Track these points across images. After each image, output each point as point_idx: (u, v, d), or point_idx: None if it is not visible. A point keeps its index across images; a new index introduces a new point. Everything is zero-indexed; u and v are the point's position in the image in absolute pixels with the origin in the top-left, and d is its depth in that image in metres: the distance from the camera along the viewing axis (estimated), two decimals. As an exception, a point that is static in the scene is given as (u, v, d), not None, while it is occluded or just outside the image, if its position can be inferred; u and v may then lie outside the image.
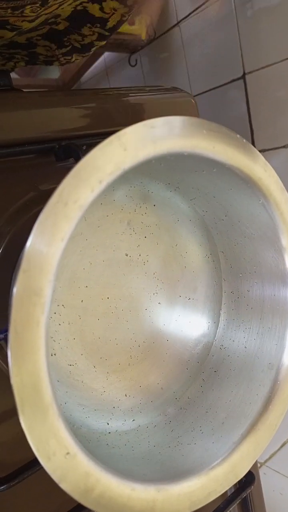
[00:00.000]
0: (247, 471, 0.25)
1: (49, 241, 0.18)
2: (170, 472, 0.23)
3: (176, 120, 0.22)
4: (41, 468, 0.27)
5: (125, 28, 1.07)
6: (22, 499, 0.29)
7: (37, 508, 0.30)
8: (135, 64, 1.18)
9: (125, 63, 1.19)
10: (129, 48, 1.15)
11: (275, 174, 0.27)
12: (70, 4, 0.34)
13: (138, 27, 1.09)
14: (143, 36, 1.07)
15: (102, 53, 1.23)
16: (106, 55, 1.27)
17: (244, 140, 0.25)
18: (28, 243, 0.17)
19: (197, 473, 0.23)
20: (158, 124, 0.21)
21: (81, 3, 0.35)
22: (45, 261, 0.18)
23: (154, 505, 0.21)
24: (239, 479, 0.25)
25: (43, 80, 1.30)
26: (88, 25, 0.38)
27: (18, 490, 0.27)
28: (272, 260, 0.28)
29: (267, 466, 0.72)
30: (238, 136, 0.25)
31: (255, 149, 0.26)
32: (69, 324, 0.28)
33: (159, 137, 0.21)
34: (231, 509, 0.43)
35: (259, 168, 0.26)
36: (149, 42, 1.12)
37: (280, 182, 0.27)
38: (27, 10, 0.30)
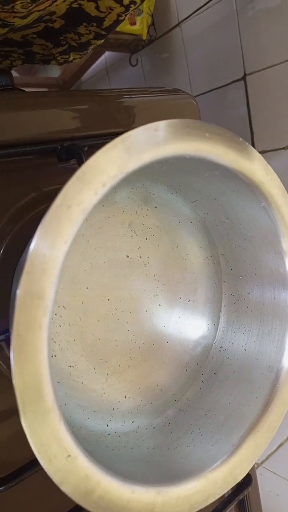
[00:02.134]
0: (246, 473, 0.25)
1: (52, 244, 0.18)
2: (169, 474, 0.24)
3: (179, 123, 0.22)
4: (40, 469, 0.27)
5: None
6: (21, 500, 0.29)
7: (36, 508, 0.30)
8: (136, 64, 1.18)
9: (126, 63, 1.18)
10: (130, 48, 1.15)
11: (277, 178, 0.27)
12: (64, 1, 0.34)
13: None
14: (144, 36, 1.07)
15: (102, 53, 1.23)
16: (107, 54, 1.27)
17: (247, 144, 0.25)
18: (32, 245, 0.17)
19: (197, 475, 0.24)
20: (162, 127, 0.21)
21: (76, 1, 0.35)
22: (48, 264, 0.18)
23: (154, 507, 0.21)
24: (237, 481, 0.25)
25: (43, 79, 1.29)
26: (84, 24, 0.38)
27: (17, 490, 0.27)
28: (273, 263, 0.28)
29: (264, 467, 0.72)
30: (240, 139, 0.25)
31: (257, 152, 0.26)
32: (69, 325, 0.28)
33: (163, 140, 0.21)
34: (228, 510, 0.44)
35: (261, 172, 0.26)
36: (150, 42, 1.12)
37: (282, 186, 0.27)
38: (18, 6, 0.30)
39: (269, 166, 0.27)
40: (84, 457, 0.19)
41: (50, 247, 0.18)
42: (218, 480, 0.24)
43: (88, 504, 0.19)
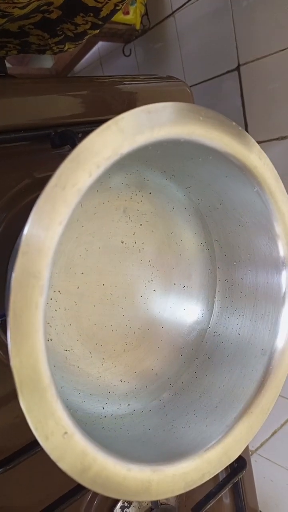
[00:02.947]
0: (240, 453, 0.26)
1: (47, 225, 0.18)
2: (165, 454, 0.24)
3: (173, 106, 0.22)
4: (39, 451, 0.28)
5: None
6: (23, 481, 0.30)
7: (38, 490, 0.30)
8: (129, 54, 1.17)
9: (119, 53, 1.18)
10: (123, 38, 1.14)
11: (270, 163, 0.27)
12: None
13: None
14: (137, 26, 1.06)
15: (96, 43, 1.22)
16: (100, 44, 1.26)
17: (240, 128, 0.25)
18: (27, 226, 0.18)
19: (192, 455, 0.24)
20: (156, 110, 0.21)
21: None
22: (43, 244, 0.18)
23: (150, 485, 0.22)
24: (232, 461, 0.26)
25: (36, 70, 1.28)
26: (81, 14, 0.38)
27: (19, 472, 0.28)
28: (266, 248, 0.29)
29: (258, 454, 0.73)
30: (234, 123, 0.25)
31: (250, 137, 0.26)
32: (65, 310, 0.28)
33: (157, 123, 0.21)
34: (223, 493, 0.44)
35: (254, 156, 0.26)
36: (143, 32, 1.11)
37: (275, 170, 0.28)
38: None
39: (262, 151, 0.27)
40: (81, 435, 0.19)
41: (45, 228, 0.18)
42: (212, 459, 0.24)
43: (85, 481, 0.20)
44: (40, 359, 0.18)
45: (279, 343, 0.28)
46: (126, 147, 0.20)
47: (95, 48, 1.27)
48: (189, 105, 0.23)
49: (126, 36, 1.14)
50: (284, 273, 0.27)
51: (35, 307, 0.18)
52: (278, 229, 0.27)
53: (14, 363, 0.17)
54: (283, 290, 0.27)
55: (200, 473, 0.24)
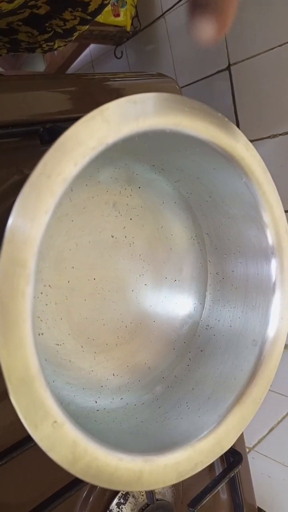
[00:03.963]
0: (233, 443, 0.26)
1: (33, 214, 0.18)
2: (157, 445, 0.24)
3: (159, 97, 0.22)
4: (31, 446, 0.28)
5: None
6: (15, 478, 0.29)
7: (31, 486, 0.30)
8: (121, 56, 1.18)
9: (111, 55, 1.18)
10: (115, 40, 1.15)
11: (257, 154, 0.27)
12: None
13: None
14: (128, 28, 1.07)
15: (87, 45, 1.22)
16: (92, 47, 1.27)
17: (226, 119, 0.26)
18: (12, 215, 0.18)
19: (184, 445, 0.24)
20: (141, 100, 0.21)
21: None
22: (29, 234, 0.18)
23: (141, 475, 0.22)
24: (225, 451, 0.26)
25: (28, 73, 1.28)
26: (70, 9, 0.38)
27: (11, 468, 0.28)
28: (255, 239, 0.29)
29: (255, 451, 0.73)
30: (220, 114, 0.25)
31: (237, 128, 0.26)
32: (56, 304, 0.28)
33: (142, 113, 0.21)
34: (220, 489, 0.44)
35: (241, 147, 0.26)
36: (134, 34, 1.12)
37: (262, 162, 0.28)
38: None
39: (249, 142, 0.27)
40: (71, 424, 0.19)
41: (31, 217, 0.18)
42: (205, 449, 0.25)
43: (76, 471, 0.20)
44: (28, 349, 0.18)
45: (270, 333, 0.28)
46: (112, 137, 0.20)
47: (86, 51, 1.28)
48: (175, 96, 0.23)
49: (117, 38, 1.15)
50: (273, 262, 0.27)
51: (22, 296, 0.18)
52: (267, 218, 0.27)
53: (2, 353, 0.17)
54: (273, 279, 0.28)
55: (193, 463, 0.24)
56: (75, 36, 0.46)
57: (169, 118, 0.22)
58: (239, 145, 0.26)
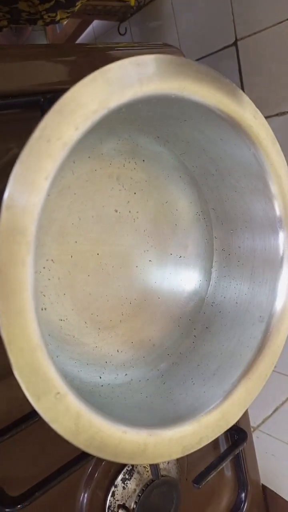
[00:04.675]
0: (238, 418, 0.26)
1: (32, 180, 0.17)
2: (162, 419, 0.24)
3: (163, 59, 0.21)
4: (36, 421, 0.27)
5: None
6: (21, 453, 0.29)
7: (36, 460, 0.30)
8: (125, 33, 1.15)
9: (115, 32, 1.15)
10: (118, 15, 1.12)
11: (266, 122, 0.26)
12: None
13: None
14: (132, 3, 1.04)
15: (90, 22, 1.19)
16: (95, 24, 1.23)
17: (234, 85, 0.25)
18: (10, 181, 0.17)
19: (189, 419, 0.24)
20: (145, 62, 0.20)
21: None
22: (29, 200, 0.17)
23: (146, 448, 0.21)
24: (230, 425, 0.25)
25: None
26: None
27: (16, 443, 0.28)
28: (263, 213, 0.28)
29: (260, 431, 0.74)
30: (227, 80, 0.24)
31: (245, 95, 0.25)
32: (59, 279, 0.27)
33: (146, 76, 0.20)
34: (224, 466, 0.44)
35: (249, 115, 0.25)
36: (138, 9, 1.09)
37: (271, 131, 0.27)
38: None
39: (257, 110, 0.26)
40: (74, 396, 0.19)
41: (30, 183, 0.17)
42: (210, 423, 0.24)
43: (80, 442, 0.19)
44: (28, 318, 0.17)
45: (278, 307, 0.27)
46: (114, 101, 0.19)
47: (89, 28, 1.24)
48: (180, 59, 0.22)
49: (120, 14, 1.11)
50: (281, 235, 0.26)
51: (22, 264, 0.17)
52: (274, 190, 0.26)
53: (2, 321, 0.17)
54: (281, 252, 0.27)
55: (198, 437, 0.24)
56: (77, 7, 0.44)
57: (174, 82, 0.21)
58: (247, 113, 0.25)
